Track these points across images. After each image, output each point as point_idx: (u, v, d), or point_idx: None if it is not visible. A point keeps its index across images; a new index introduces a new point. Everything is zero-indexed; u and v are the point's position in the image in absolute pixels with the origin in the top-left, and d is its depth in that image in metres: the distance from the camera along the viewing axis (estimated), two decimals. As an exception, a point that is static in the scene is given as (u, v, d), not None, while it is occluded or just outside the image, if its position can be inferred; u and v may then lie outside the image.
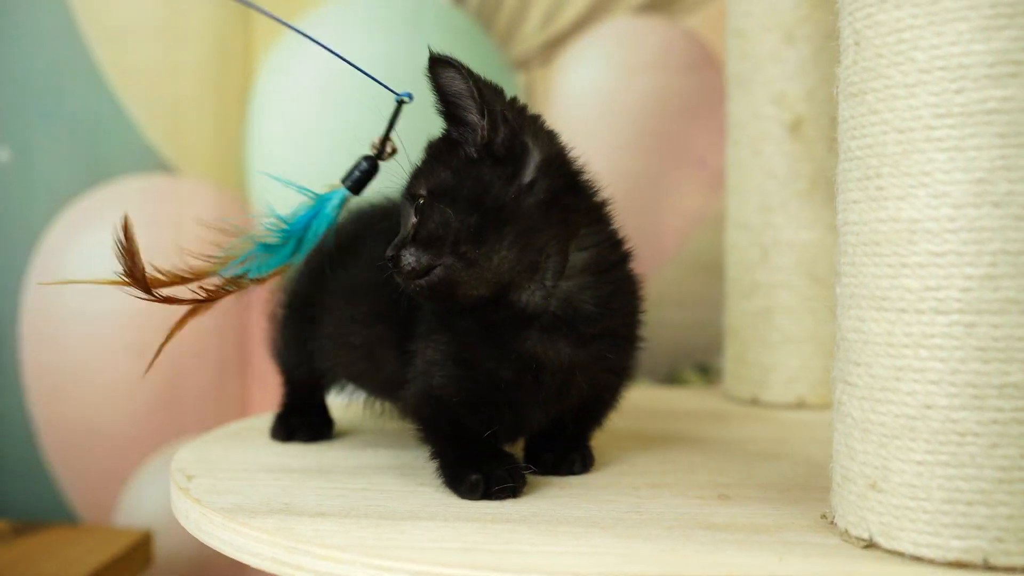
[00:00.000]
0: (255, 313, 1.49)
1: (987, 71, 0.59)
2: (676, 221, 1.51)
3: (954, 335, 0.61)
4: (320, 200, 0.86)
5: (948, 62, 0.60)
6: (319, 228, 0.86)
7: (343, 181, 0.87)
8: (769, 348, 1.16)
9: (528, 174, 0.79)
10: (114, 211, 1.43)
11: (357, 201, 0.91)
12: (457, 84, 0.78)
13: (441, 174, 0.79)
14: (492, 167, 0.78)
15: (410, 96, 0.85)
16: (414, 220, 0.79)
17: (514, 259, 0.77)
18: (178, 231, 1.42)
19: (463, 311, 0.80)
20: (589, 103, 1.52)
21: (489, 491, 0.76)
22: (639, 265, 0.87)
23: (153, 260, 0.82)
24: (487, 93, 0.78)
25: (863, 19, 0.65)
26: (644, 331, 0.86)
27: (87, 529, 1.34)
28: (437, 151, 0.82)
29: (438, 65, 0.78)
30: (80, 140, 1.41)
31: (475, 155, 0.79)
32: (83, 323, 1.39)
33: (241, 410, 1.48)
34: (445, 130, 0.82)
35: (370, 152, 0.87)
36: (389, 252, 0.79)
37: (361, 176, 0.87)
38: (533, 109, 0.83)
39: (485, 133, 0.78)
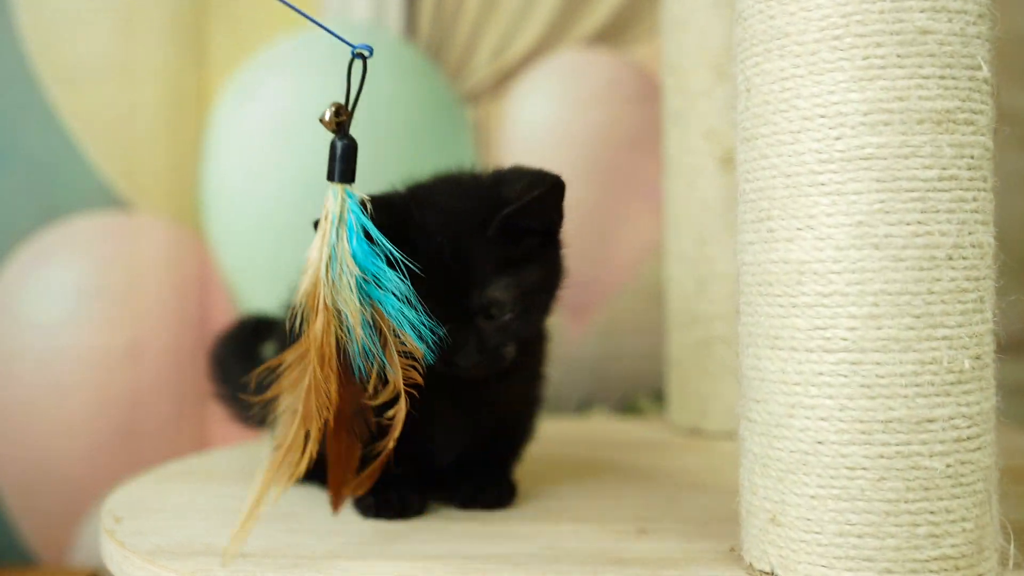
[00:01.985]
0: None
1: (863, 119, 0.61)
2: (629, 250, 1.53)
3: (841, 372, 0.63)
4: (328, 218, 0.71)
5: (827, 110, 0.62)
6: (358, 233, 0.71)
7: (330, 178, 0.72)
8: (709, 378, 1.18)
9: None
10: (69, 248, 1.46)
11: None
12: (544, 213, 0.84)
13: (534, 273, 0.82)
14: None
15: (370, 50, 0.74)
16: (509, 317, 0.79)
17: None
18: (133, 267, 1.44)
19: None
20: (540, 135, 1.54)
21: (380, 512, 0.83)
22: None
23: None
24: None
25: (752, 67, 0.67)
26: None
27: (39, 569, 1.34)
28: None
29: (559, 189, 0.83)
30: (35, 179, 1.43)
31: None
32: (37, 359, 1.40)
33: (200, 445, 1.49)
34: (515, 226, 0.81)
35: (331, 130, 0.73)
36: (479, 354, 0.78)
37: (343, 158, 0.72)
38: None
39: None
